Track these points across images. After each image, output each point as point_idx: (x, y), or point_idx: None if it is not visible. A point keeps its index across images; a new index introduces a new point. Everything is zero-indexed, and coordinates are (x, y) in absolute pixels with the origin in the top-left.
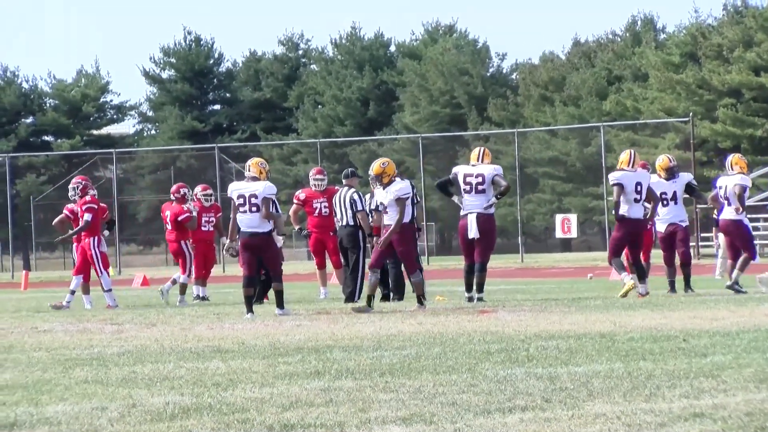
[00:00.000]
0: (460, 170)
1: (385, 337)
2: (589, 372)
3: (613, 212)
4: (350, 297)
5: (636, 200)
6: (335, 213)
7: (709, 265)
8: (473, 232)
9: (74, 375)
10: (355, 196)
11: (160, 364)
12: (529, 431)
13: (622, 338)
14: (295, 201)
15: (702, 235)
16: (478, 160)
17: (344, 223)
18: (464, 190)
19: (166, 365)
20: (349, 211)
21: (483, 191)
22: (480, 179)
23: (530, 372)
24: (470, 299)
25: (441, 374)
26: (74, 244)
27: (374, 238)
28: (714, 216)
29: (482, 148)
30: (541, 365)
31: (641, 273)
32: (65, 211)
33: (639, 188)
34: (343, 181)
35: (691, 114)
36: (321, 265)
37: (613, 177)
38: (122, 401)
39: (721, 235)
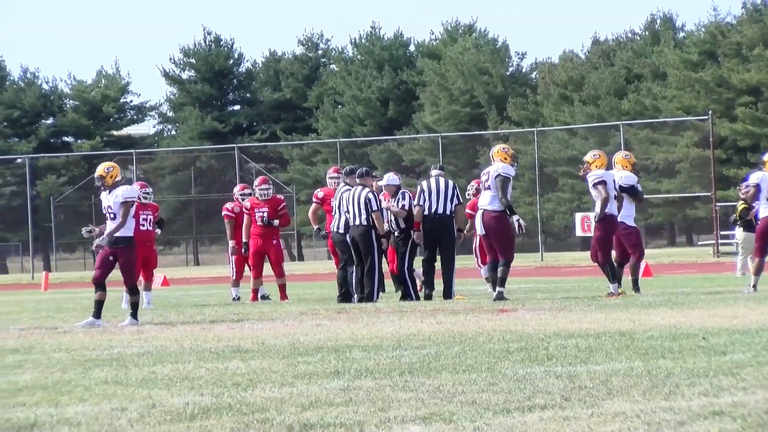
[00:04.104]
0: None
1: (405, 337)
2: (608, 370)
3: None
4: (369, 297)
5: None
6: (344, 211)
7: (730, 263)
8: (479, 228)
9: (94, 376)
10: (371, 196)
11: (179, 365)
12: (548, 430)
13: (641, 336)
14: (313, 200)
15: (722, 233)
16: (493, 160)
17: (357, 222)
18: (481, 189)
19: (186, 365)
20: (363, 211)
21: (488, 188)
22: (486, 177)
23: (550, 371)
24: (500, 295)
25: (460, 373)
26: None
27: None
28: (737, 216)
29: (495, 148)
30: (561, 364)
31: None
32: None
33: None
34: (357, 180)
35: (710, 112)
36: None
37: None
38: (142, 402)
39: (740, 233)
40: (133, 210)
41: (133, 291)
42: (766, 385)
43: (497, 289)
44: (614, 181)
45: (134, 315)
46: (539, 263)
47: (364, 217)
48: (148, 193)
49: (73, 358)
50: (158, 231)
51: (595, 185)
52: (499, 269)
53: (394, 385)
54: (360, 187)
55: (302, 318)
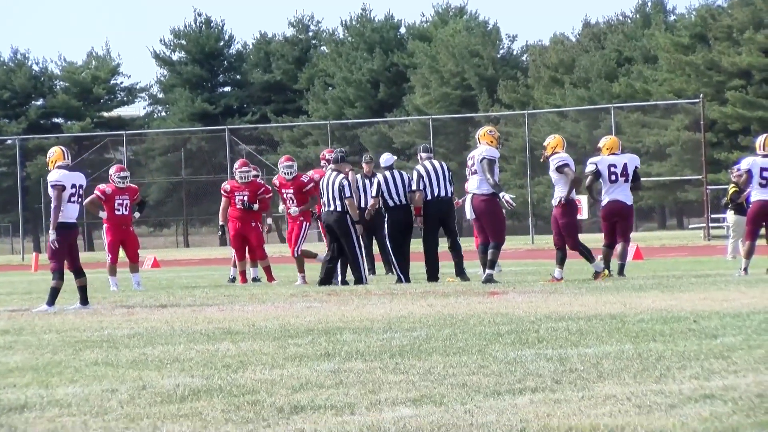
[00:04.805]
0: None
1: (396, 319)
2: (599, 353)
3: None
4: (358, 283)
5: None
6: (321, 197)
7: (721, 246)
8: (469, 213)
9: (84, 357)
10: (344, 182)
11: (170, 346)
12: (539, 412)
13: (632, 320)
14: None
15: (713, 216)
16: (479, 142)
17: (332, 208)
18: (468, 173)
19: (177, 347)
20: (338, 197)
21: (475, 172)
22: (471, 161)
23: (540, 353)
24: (489, 277)
25: (451, 356)
26: (105, 226)
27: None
28: (728, 199)
29: (481, 130)
30: (552, 347)
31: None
32: (96, 192)
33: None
34: (332, 165)
35: (701, 95)
36: None
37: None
38: (132, 383)
39: (731, 216)
40: (66, 194)
41: (55, 276)
42: (756, 368)
43: (486, 271)
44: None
45: (50, 302)
46: (530, 246)
47: (339, 203)
48: (123, 178)
49: (64, 339)
50: (136, 214)
51: (559, 168)
52: (490, 251)
53: (384, 367)
54: (335, 173)
55: (293, 300)
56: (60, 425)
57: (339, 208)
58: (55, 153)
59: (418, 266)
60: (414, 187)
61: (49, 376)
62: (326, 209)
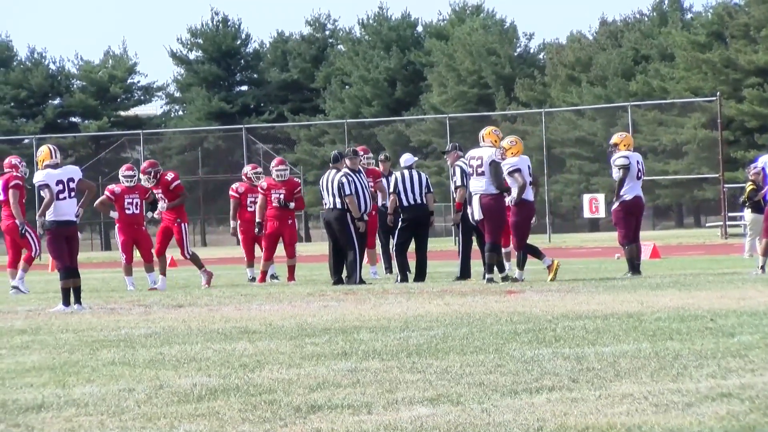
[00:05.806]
0: (468, 153)
1: (412, 318)
2: (616, 352)
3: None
4: (352, 282)
5: None
6: (322, 196)
7: (738, 244)
8: (477, 214)
9: (101, 356)
10: (344, 180)
11: (187, 346)
12: (556, 411)
13: (649, 318)
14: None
15: (730, 214)
16: (482, 141)
17: (331, 206)
18: (469, 173)
19: (194, 346)
20: (337, 195)
21: (483, 173)
22: (479, 162)
23: (557, 352)
24: (490, 280)
25: (468, 355)
26: (117, 225)
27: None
28: (745, 197)
29: (486, 129)
30: (569, 345)
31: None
32: (106, 192)
33: None
34: (330, 164)
35: (718, 93)
36: (370, 245)
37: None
38: (149, 383)
39: (748, 214)
40: (53, 191)
41: (61, 275)
42: None
43: (486, 275)
44: (529, 166)
45: (64, 302)
46: (547, 244)
47: (338, 201)
48: (129, 177)
49: (81, 338)
50: (149, 214)
51: (510, 173)
52: (487, 254)
53: (401, 366)
54: (334, 171)
55: (310, 299)
56: (77, 425)
57: (339, 206)
58: (42, 152)
59: (434, 265)
60: (458, 183)
61: (66, 376)
62: (326, 207)
